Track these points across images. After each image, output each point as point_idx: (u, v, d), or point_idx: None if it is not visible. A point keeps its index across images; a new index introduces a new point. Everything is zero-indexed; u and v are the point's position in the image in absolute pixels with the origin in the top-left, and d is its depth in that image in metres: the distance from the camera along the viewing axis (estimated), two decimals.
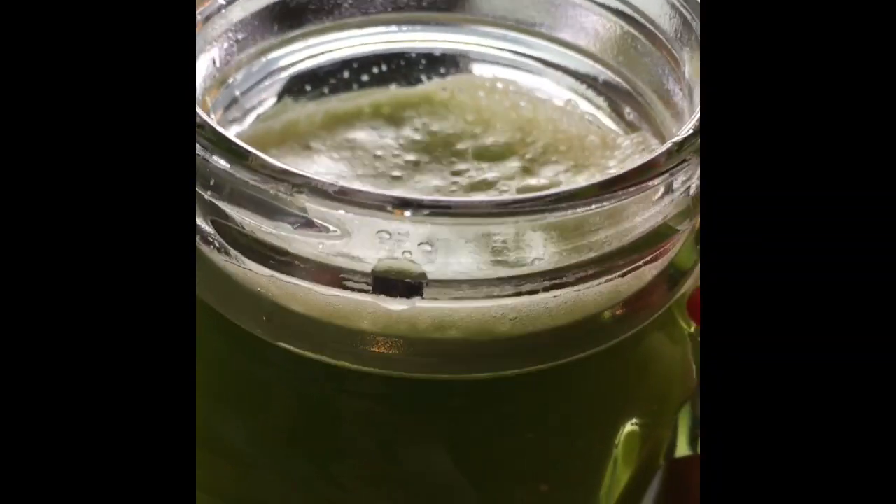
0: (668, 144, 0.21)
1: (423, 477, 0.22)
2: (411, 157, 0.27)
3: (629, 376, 0.24)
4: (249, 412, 0.23)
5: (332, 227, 0.20)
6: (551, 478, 0.23)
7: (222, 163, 0.20)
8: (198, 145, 0.20)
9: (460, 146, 0.28)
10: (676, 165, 0.20)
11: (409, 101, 0.29)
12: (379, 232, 0.20)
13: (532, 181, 0.26)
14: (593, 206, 0.20)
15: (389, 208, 0.19)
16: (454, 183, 0.26)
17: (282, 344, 0.22)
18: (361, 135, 0.27)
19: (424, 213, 0.19)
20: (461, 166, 0.27)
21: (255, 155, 0.20)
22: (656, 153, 0.21)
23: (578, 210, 0.19)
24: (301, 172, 0.20)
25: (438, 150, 0.27)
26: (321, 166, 0.26)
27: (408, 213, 0.19)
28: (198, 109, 0.21)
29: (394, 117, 0.29)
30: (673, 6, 0.25)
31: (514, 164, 0.27)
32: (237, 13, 0.26)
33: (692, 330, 0.25)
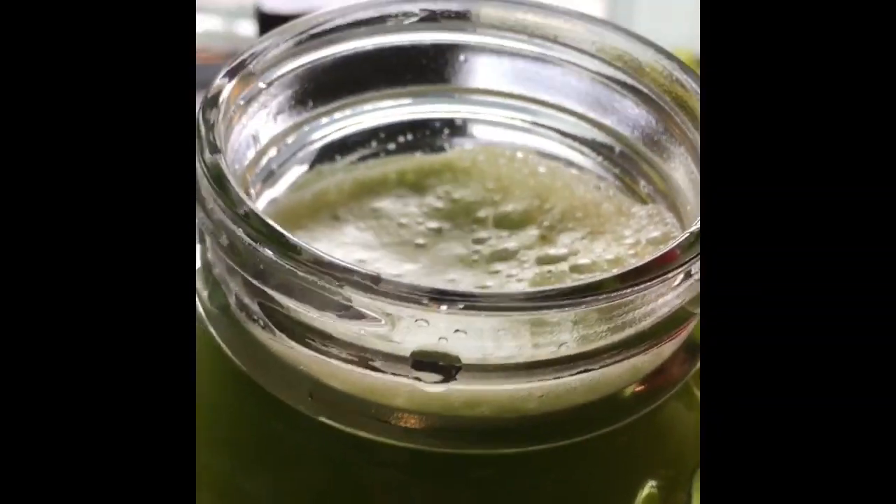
0: (686, 235, 0.22)
1: None
2: (434, 224, 0.28)
3: (648, 446, 0.25)
4: (280, 472, 0.24)
5: (373, 316, 0.21)
6: None
7: (269, 253, 0.21)
8: (243, 233, 0.22)
9: (481, 213, 0.29)
10: (693, 257, 0.22)
11: (433, 168, 0.31)
12: (417, 321, 0.21)
13: (550, 251, 0.27)
14: (615, 298, 0.21)
15: (426, 301, 0.20)
16: (476, 252, 0.27)
17: (322, 418, 0.23)
18: (386, 203, 0.29)
19: (459, 307, 0.20)
20: (482, 234, 0.28)
21: (306, 249, 0.21)
22: (673, 245, 0.22)
23: (601, 302, 0.21)
24: (346, 265, 0.21)
25: (460, 218, 0.29)
26: (349, 236, 0.28)
27: (443, 307, 0.20)
28: (242, 195, 0.23)
29: (417, 185, 0.30)
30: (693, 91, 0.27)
31: (532, 233, 0.28)
32: (276, 94, 0.27)
33: None
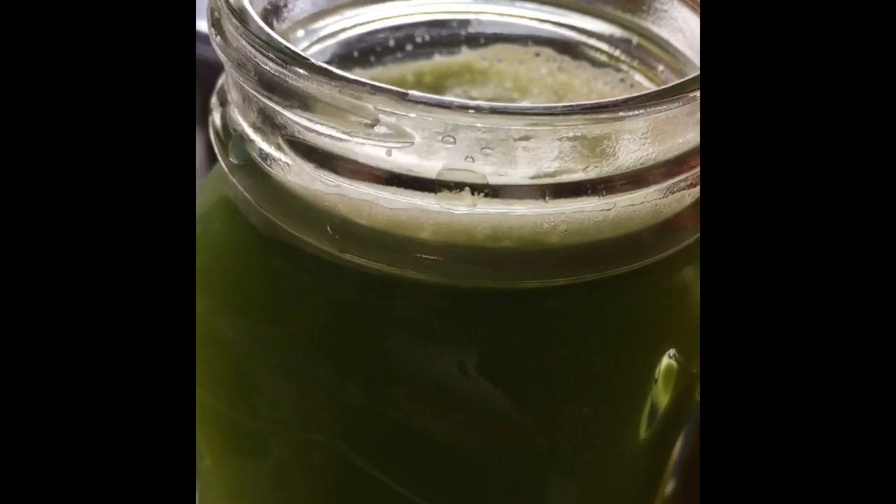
0: None
1: (464, 388, 0.23)
2: None
3: (667, 302, 0.25)
4: (307, 318, 0.24)
5: (400, 131, 0.21)
6: (595, 395, 0.25)
7: (302, 73, 0.22)
8: (270, 63, 0.22)
9: None
10: None
11: (451, 69, 0.31)
12: (444, 138, 0.21)
13: None
14: (645, 112, 0.21)
15: (454, 108, 0.21)
16: None
17: (348, 256, 0.23)
18: None
19: (486, 111, 0.21)
20: None
21: (333, 70, 0.21)
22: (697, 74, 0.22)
23: (635, 113, 0.21)
24: (373, 83, 0.21)
25: None
26: None
27: (471, 111, 0.21)
28: (264, 27, 0.23)
29: (436, 86, 0.31)
30: None
31: None
32: None
33: None
